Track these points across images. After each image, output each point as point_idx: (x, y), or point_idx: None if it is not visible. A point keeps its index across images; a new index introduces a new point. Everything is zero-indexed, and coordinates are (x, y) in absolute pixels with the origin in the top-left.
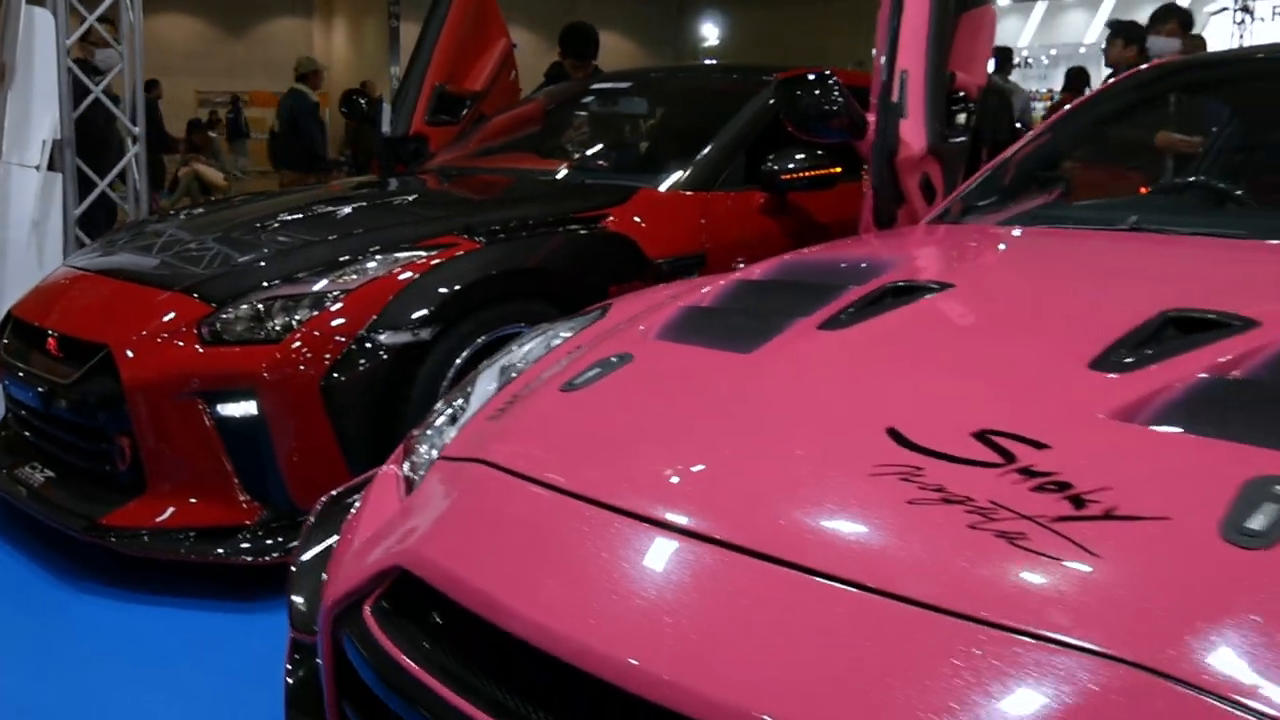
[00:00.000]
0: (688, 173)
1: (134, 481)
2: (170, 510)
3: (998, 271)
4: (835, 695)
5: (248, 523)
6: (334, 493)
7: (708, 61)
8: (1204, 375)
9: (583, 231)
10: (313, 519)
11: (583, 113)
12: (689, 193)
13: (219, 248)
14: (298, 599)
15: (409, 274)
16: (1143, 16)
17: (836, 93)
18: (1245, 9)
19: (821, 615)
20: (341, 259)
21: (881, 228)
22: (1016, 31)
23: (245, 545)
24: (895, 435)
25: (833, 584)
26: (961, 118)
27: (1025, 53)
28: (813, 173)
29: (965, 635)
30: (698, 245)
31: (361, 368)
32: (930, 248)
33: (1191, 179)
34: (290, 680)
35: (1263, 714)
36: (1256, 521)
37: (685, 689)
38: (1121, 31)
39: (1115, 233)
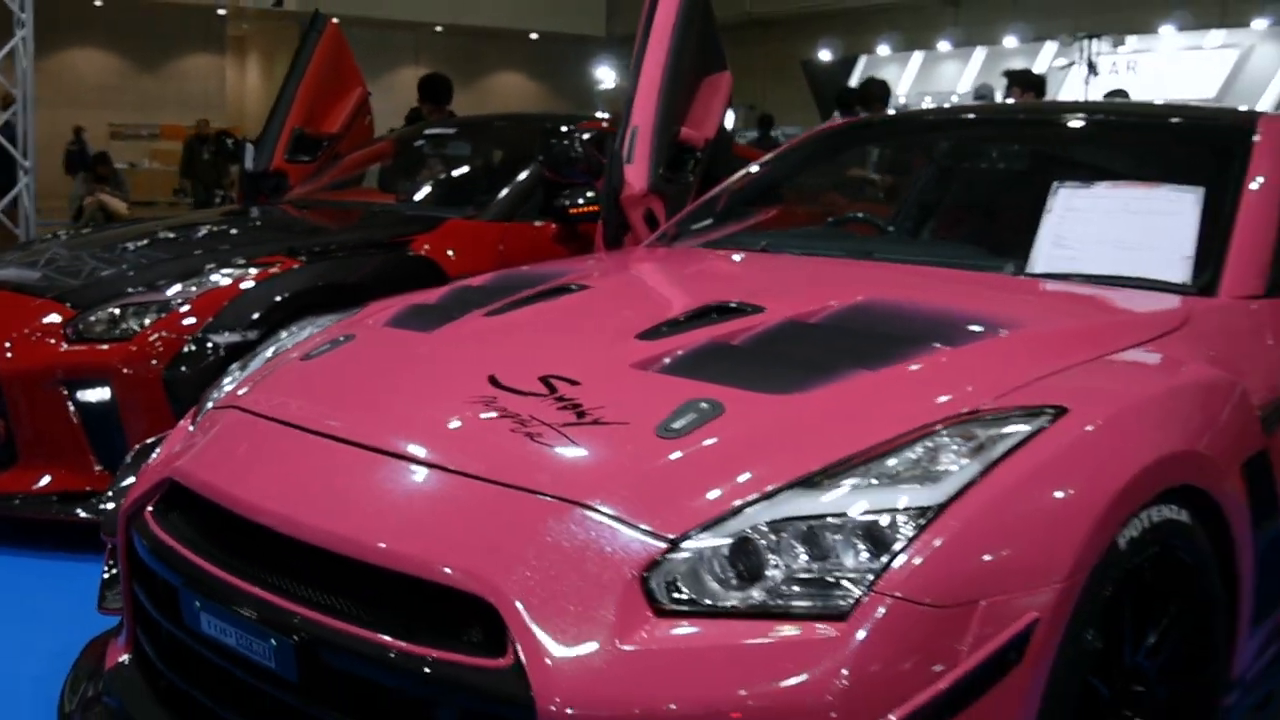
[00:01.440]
0: (490, 206)
1: (7, 456)
2: (38, 479)
3: (637, 277)
4: (426, 529)
5: (101, 489)
6: (145, 442)
7: (598, 113)
8: (707, 341)
9: (394, 254)
10: (128, 459)
11: (418, 153)
12: (490, 222)
13: (91, 263)
14: (108, 512)
15: (243, 286)
16: (1015, 65)
17: (579, 143)
18: (1090, 65)
19: (420, 486)
20: (188, 273)
21: (610, 249)
22: (895, 79)
23: (99, 506)
24: (492, 380)
25: (425, 468)
26: (690, 164)
27: (904, 99)
28: (597, 207)
29: (492, 492)
30: (495, 267)
31: (197, 362)
32: (613, 262)
33: (845, 216)
34: (105, 575)
35: (642, 528)
36: (678, 423)
37: (340, 535)
38: (1019, 80)
39: (749, 252)
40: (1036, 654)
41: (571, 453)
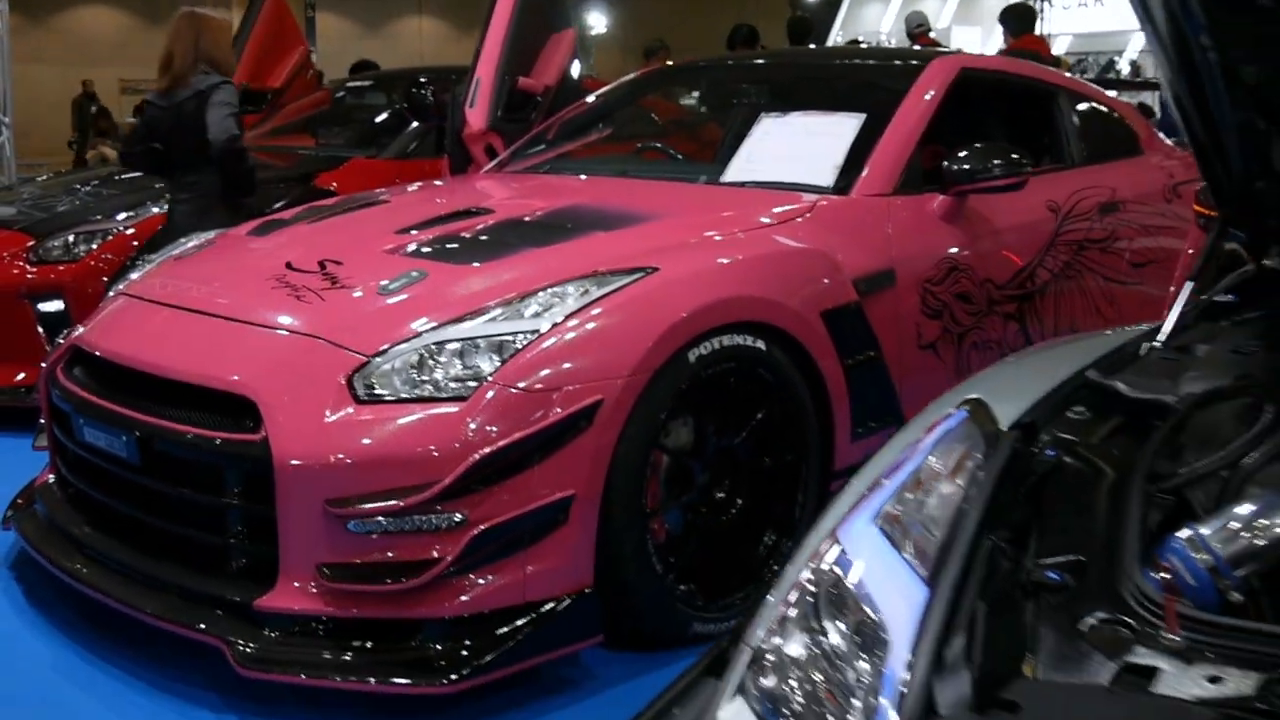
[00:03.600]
0: (390, 147)
1: None
2: (13, 375)
3: (429, 193)
4: (218, 357)
5: None
6: (70, 329)
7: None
8: (441, 233)
9: (304, 187)
10: (58, 341)
11: (340, 103)
12: (389, 160)
13: (55, 200)
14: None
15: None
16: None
17: (430, 92)
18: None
19: (219, 331)
20: (133, 205)
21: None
22: (878, 18)
23: None
24: (287, 264)
25: (224, 320)
26: (530, 107)
27: (882, 36)
28: None
29: (262, 332)
30: None
31: None
32: (429, 183)
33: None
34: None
35: (350, 349)
36: (393, 285)
37: (183, 370)
38: (1005, 21)
39: (534, 173)
40: (604, 423)
41: (318, 306)
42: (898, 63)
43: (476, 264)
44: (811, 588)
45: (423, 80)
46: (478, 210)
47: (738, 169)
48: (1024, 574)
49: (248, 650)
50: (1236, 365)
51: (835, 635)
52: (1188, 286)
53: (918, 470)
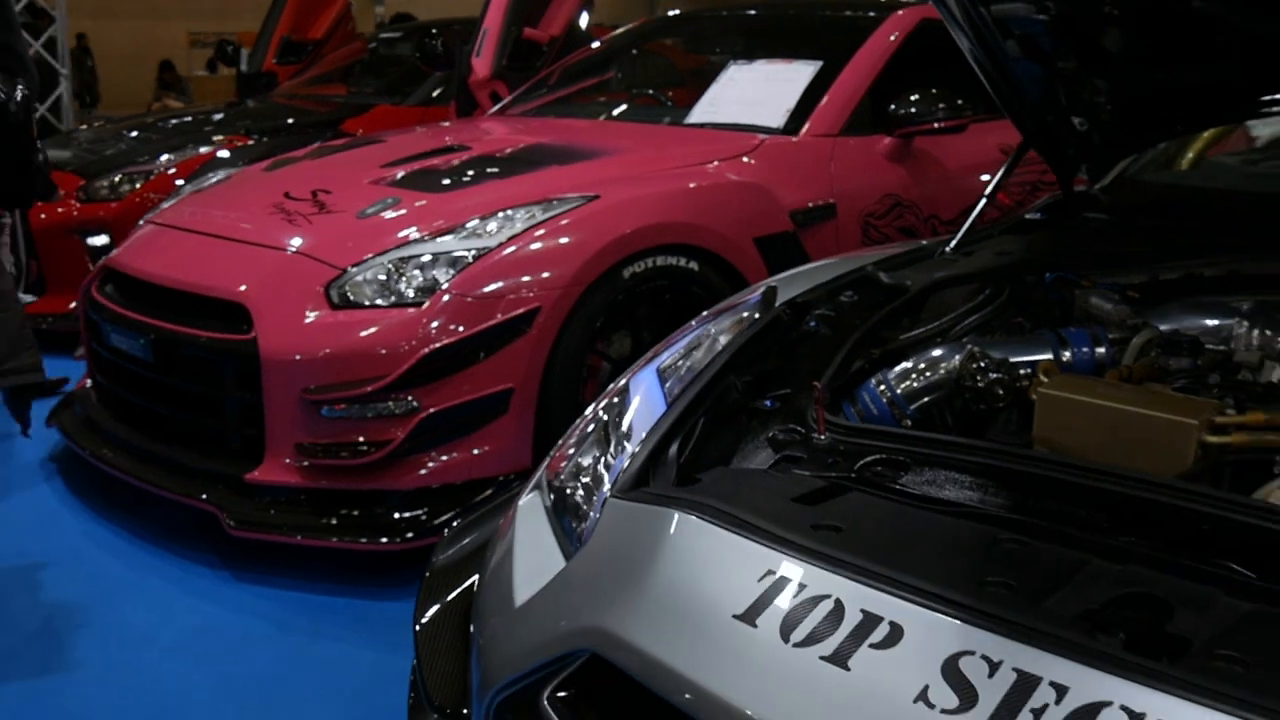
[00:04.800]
0: (412, 95)
1: (41, 288)
2: (66, 304)
3: (421, 132)
4: (219, 271)
5: None
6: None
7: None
8: (420, 167)
9: (331, 132)
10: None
11: (374, 53)
12: (412, 107)
13: (105, 144)
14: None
15: (218, 154)
16: None
17: (439, 41)
18: None
19: (221, 249)
20: (175, 147)
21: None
22: None
23: None
24: (286, 193)
25: (225, 240)
26: (536, 56)
27: None
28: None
29: (256, 249)
30: None
31: None
32: (426, 125)
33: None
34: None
35: (328, 262)
36: (370, 210)
37: (190, 283)
38: None
39: (523, 116)
40: (541, 327)
41: (305, 227)
42: (871, 14)
43: (444, 192)
44: (604, 416)
45: (434, 31)
46: (458, 147)
47: (700, 112)
48: (748, 403)
49: (238, 515)
50: (988, 261)
51: (613, 447)
52: (982, 200)
53: (700, 334)
